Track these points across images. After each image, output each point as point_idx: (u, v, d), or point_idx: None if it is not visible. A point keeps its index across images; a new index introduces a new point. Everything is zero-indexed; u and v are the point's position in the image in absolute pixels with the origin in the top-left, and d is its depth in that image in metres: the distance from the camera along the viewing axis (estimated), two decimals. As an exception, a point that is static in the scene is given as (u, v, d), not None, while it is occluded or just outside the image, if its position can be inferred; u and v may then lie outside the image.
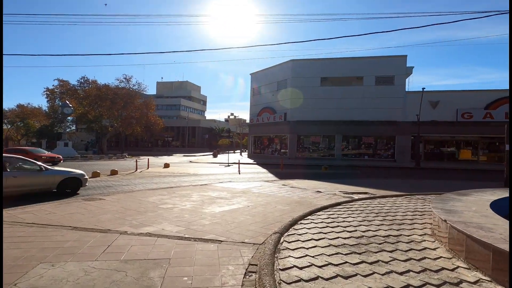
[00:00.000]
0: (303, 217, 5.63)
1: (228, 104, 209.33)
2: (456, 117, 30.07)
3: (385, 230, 4.81)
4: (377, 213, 5.96)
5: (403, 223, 5.18)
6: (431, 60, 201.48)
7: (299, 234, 4.64)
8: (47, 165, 10.92)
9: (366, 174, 18.78)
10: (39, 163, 10.68)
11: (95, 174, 15.96)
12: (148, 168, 21.36)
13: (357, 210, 6.30)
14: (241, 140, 58.77)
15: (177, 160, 33.56)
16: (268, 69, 38.36)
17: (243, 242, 4.62)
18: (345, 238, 4.43)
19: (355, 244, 4.18)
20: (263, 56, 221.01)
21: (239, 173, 19.28)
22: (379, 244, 4.22)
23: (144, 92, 51.37)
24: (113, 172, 17.67)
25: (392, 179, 15.08)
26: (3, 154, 10.27)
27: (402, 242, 4.29)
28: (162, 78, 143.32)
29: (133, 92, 47.30)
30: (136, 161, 22.72)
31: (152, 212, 6.68)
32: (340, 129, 32.66)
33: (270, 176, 17.46)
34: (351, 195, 9.26)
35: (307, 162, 29.47)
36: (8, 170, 9.46)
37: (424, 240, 4.36)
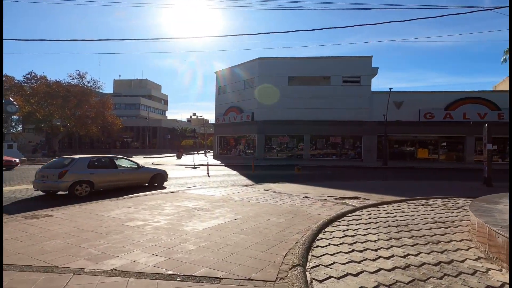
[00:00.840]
0: (314, 236, 4.53)
1: (190, 104, 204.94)
2: (419, 117, 30.80)
3: (428, 254, 3.82)
4: (396, 227, 5.03)
5: (439, 241, 4.21)
6: (385, 65, 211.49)
7: (326, 266, 3.48)
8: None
9: (342, 176, 18.21)
10: (137, 162, 13.19)
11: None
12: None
13: (370, 222, 5.32)
14: (205, 141, 56.92)
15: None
16: (234, 67, 37.11)
17: (250, 279, 3.41)
18: (389, 271, 3.35)
19: (411, 282, 3.11)
20: (228, 56, 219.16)
21: (209, 176, 17.90)
22: (440, 278, 3.19)
23: (100, 90, 47.95)
24: (65, 178, 15.51)
25: (372, 181, 14.54)
26: (112, 155, 12.66)
27: (466, 273, 3.31)
28: (119, 76, 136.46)
29: (88, 90, 43.81)
30: (92, 165, 20.42)
31: (117, 233, 5.22)
32: (308, 129, 32.25)
33: (243, 179, 16.29)
34: (344, 201, 8.36)
35: (276, 163, 28.64)
36: (118, 167, 11.82)
37: (490, 269, 3.41)
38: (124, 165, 12.29)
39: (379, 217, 5.73)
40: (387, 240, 4.31)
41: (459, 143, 31.74)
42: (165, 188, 12.42)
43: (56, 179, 9.98)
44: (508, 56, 12.05)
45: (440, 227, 4.98)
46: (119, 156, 13.62)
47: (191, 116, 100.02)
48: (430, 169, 24.56)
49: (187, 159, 37.13)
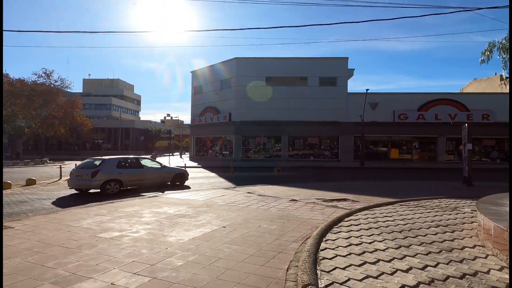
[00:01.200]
0: (317, 246, 4.07)
1: (165, 104, 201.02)
2: (393, 118, 31.39)
3: (446, 264, 3.43)
4: (400, 232, 4.68)
5: (452, 248, 3.86)
6: (357, 68, 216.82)
7: (341, 283, 2.98)
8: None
9: (323, 177, 18.02)
10: (160, 162, 14.31)
11: (5, 186, 12.63)
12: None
13: (371, 228, 4.94)
14: (180, 142, 55.60)
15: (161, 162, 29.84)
16: (210, 66, 36.39)
17: (254, 304, 2.91)
18: (414, 288, 2.97)
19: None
20: (205, 56, 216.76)
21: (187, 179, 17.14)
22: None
23: (69, 90, 45.55)
24: (30, 182, 14.34)
25: (355, 181, 14.40)
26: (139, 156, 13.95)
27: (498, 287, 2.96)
28: (89, 75, 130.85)
29: (55, 89, 41.38)
30: (60, 167, 19.03)
31: (90, 247, 4.53)
32: (285, 130, 32.07)
33: (223, 181, 15.71)
34: (333, 203, 8.03)
35: (255, 164, 28.21)
36: (143, 167, 12.70)
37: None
38: (149, 165, 13.25)
39: (378, 222, 5.38)
40: (396, 248, 3.94)
41: (431, 143, 32.63)
42: (188, 187, 13.23)
43: (89, 178, 11.07)
44: (485, 57, 12.18)
45: (445, 231, 4.69)
46: (144, 156, 15.09)
47: (165, 117, 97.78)
48: (406, 169, 25.01)
49: (162, 161, 35.95)
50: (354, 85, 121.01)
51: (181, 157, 45.44)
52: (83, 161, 12.99)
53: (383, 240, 4.28)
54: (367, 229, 4.89)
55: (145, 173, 12.60)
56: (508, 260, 3.46)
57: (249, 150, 33.47)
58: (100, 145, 54.50)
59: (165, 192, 11.31)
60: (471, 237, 4.35)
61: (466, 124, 12.73)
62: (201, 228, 5.58)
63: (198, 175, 19.23)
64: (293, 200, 8.65)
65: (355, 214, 5.97)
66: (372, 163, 29.37)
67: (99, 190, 11.28)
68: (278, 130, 32.06)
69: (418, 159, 32.74)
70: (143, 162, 13.09)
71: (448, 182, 14.11)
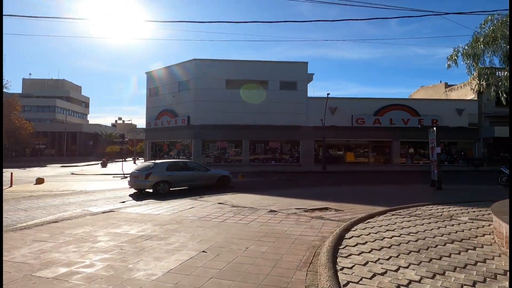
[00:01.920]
0: (335, 279, 3.21)
1: (116, 108, 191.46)
2: (352, 122, 32.01)
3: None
4: (418, 252, 3.98)
5: (495, 274, 3.22)
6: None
7: None
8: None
9: (292, 182, 17.42)
10: (205, 166, 15.64)
11: None
12: (11, 186, 15.63)
13: (383, 248, 4.06)
14: (134, 147, 52.52)
15: (53, 172, 26.81)
16: (167, 68, 34.60)
17: None
18: None
19: None
20: (161, 58, 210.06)
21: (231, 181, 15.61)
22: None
23: (6, 90, 41.00)
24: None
25: (326, 187, 13.92)
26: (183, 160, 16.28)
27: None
28: (30, 74, 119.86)
29: (-12, 88, 36.88)
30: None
31: (23, 294, 3.28)
32: (246, 134, 31.32)
33: (186, 190, 14.41)
34: (316, 214, 7.31)
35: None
36: (190, 170, 13.98)
37: None
38: (196, 168, 14.50)
39: (384, 238, 4.70)
40: (432, 278, 3.20)
41: (386, 146, 33.77)
42: (233, 189, 13.74)
43: (143, 179, 12.58)
44: (452, 62, 12.33)
45: (467, 249, 4.12)
46: (191, 161, 16.78)
47: (116, 121, 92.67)
48: (367, 172, 25.36)
49: (114, 167, 33.36)
50: (309, 91, 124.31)
51: (135, 163, 42.72)
52: (141, 164, 14.80)
53: (408, 266, 3.56)
54: (379, 249, 4.17)
55: (191, 176, 13.82)
56: (508, 261, 3.28)
57: (209, 155, 32.21)
58: (42, 150, 49.62)
59: (124, 204, 9.89)
60: (499, 255, 3.80)
61: (435, 128, 12.83)
62: (176, 255, 4.48)
63: (156, 183, 17.65)
64: (272, 211, 7.79)
65: (354, 229, 5.25)
66: (333, 167, 29.57)
67: (151, 190, 12.69)
68: (239, 134, 31.21)
69: (374, 162, 33.68)
70: (190, 165, 14.69)
71: (415, 186, 14.18)
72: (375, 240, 4.58)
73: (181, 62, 33.40)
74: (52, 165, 37.71)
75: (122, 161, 29.41)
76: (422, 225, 5.49)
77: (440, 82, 42.39)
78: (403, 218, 6.16)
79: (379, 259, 3.79)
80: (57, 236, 5.63)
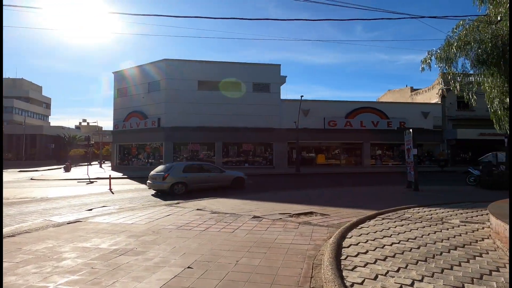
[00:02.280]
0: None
1: (80, 109, 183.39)
2: (324, 124, 32.35)
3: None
4: (425, 260, 3.75)
5: None
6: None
7: None
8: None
9: (269, 185, 17.11)
10: (220, 167, 16.40)
11: None
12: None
13: (387, 258, 3.77)
14: (100, 150, 50.12)
15: (10, 178, 24.76)
16: (137, 67, 33.27)
17: None
18: None
19: None
20: (128, 57, 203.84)
21: (113, 193, 14.69)
22: None
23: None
24: None
25: (305, 190, 13.72)
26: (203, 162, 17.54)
27: None
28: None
29: None
30: None
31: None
32: (219, 136, 30.74)
33: (159, 194, 13.68)
34: (303, 219, 7.00)
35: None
36: (206, 172, 14.52)
37: None
38: (211, 170, 14.88)
39: (385, 246, 4.43)
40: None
41: (357, 148, 34.43)
42: (246, 189, 14.26)
43: (161, 180, 13.16)
44: (425, 65, 12.55)
45: (474, 256, 3.92)
46: (207, 163, 17.54)
47: (80, 123, 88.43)
48: (340, 174, 25.63)
49: (78, 171, 31.55)
50: (282, 94, 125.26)
51: (101, 166, 40.74)
52: (159, 166, 15.11)
53: (422, 279, 3.26)
54: (384, 260, 3.88)
55: (207, 177, 14.26)
56: (508, 261, 3.25)
57: (181, 158, 31.27)
58: (-3, 154, 45.96)
59: (92, 212, 9.07)
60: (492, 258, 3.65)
61: (411, 130, 12.98)
62: (157, 273, 3.95)
63: (125, 188, 16.72)
64: (255, 217, 7.38)
65: (349, 236, 4.97)
66: (304, 169, 29.68)
67: (169, 191, 13.08)
68: (212, 136, 30.58)
69: (345, 163, 34.20)
70: (206, 167, 15.16)
71: (392, 187, 14.35)
72: (376, 248, 4.31)
73: (151, 62, 32.26)
74: (9, 170, 35.00)
75: (87, 165, 27.80)
76: (417, 229, 5.32)
77: (406, 86, 44.02)
78: (395, 222, 5.98)
79: (388, 271, 3.51)
80: (13, 254, 4.88)
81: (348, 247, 4.40)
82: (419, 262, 3.75)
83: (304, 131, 30.70)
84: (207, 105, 30.49)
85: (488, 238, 4.69)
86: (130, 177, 23.38)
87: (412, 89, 42.39)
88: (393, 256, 3.94)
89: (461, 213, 6.77)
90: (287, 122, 30.54)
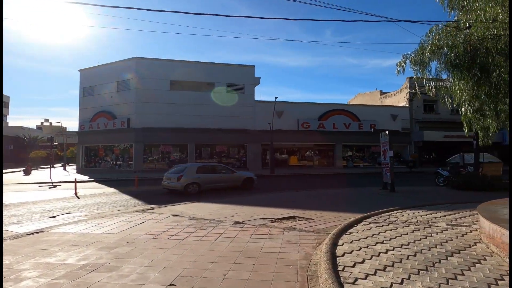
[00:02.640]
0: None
1: (42, 109, 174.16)
2: (297, 126, 32.48)
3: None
4: (426, 269, 3.52)
5: None
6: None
7: None
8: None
9: (245, 187, 16.74)
10: (231, 168, 17.17)
11: None
12: None
13: (386, 267, 3.55)
14: (63, 152, 47.48)
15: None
16: (105, 65, 31.82)
17: None
18: None
19: None
20: (95, 54, 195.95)
21: (79, 198, 13.75)
22: None
23: None
24: None
25: (282, 192, 13.50)
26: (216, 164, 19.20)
27: None
28: None
29: None
30: None
31: None
32: (192, 137, 30.02)
33: (130, 199, 12.95)
34: (285, 224, 6.73)
35: (161, 176, 25.25)
36: (218, 172, 15.16)
37: None
38: (223, 171, 15.48)
39: (380, 254, 4.20)
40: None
41: (330, 150, 34.90)
42: (257, 190, 14.79)
43: (176, 181, 13.73)
44: (400, 68, 12.76)
45: (473, 263, 3.74)
46: (220, 164, 18.21)
47: (42, 123, 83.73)
48: (314, 175, 25.75)
49: (40, 175, 29.59)
50: (255, 95, 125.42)
51: (65, 169, 38.57)
52: (174, 167, 16.15)
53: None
54: (383, 270, 3.65)
55: (219, 177, 14.90)
56: (509, 262, 3.25)
57: (152, 159, 30.22)
58: None
59: (56, 220, 8.29)
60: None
61: (387, 132, 13.11)
62: (136, 294, 3.50)
63: (93, 192, 15.74)
64: (237, 223, 7.02)
65: (340, 243, 4.73)
66: (278, 170, 29.63)
67: (183, 191, 13.62)
68: (184, 137, 29.80)
69: (318, 165, 34.55)
70: (218, 168, 15.90)
71: (367, 188, 14.46)
72: (372, 257, 4.10)
73: (120, 60, 30.96)
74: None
75: (50, 167, 26.13)
76: (407, 234, 5.20)
77: (376, 89, 45.30)
78: (382, 226, 5.84)
79: (392, 284, 3.27)
80: (-36, 274, 4.21)
81: (342, 256, 4.16)
82: (421, 271, 3.57)
83: (278, 133, 30.68)
84: (180, 106, 29.70)
85: (479, 242, 4.63)
86: (97, 180, 22.18)
87: (382, 92, 43.66)
88: (392, 266, 3.74)
89: (445, 216, 6.77)
90: (261, 123, 30.39)
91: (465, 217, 6.58)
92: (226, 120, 30.38)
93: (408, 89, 35.51)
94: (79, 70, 33.35)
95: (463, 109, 12.27)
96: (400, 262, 3.88)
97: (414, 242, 4.71)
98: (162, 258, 4.71)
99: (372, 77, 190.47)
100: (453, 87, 12.40)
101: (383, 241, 4.84)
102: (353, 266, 3.77)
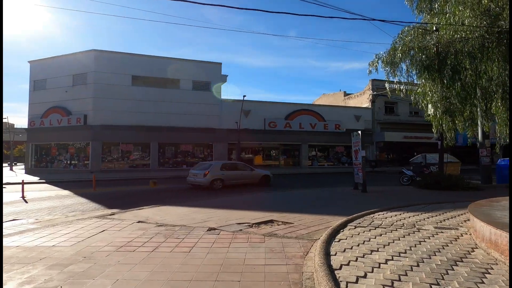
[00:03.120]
0: None
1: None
2: (264, 126, 32.22)
3: None
4: (437, 283, 3.21)
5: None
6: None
7: None
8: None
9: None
10: (251, 166, 17.84)
11: None
12: None
13: (391, 280, 3.24)
14: (10, 150, 43.56)
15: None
16: (59, 57, 29.45)
17: None
18: None
19: None
20: (50, 43, 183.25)
21: (26, 202, 12.30)
22: None
23: None
24: None
25: (254, 193, 12.99)
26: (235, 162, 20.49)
27: None
28: None
29: None
30: None
31: None
32: (155, 136, 28.68)
33: (86, 203, 11.75)
34: (265, 230, 6.21)
35: (120, 176, 23.78)
36: (240, 170, 16.34)
37: None
38: (243, 168, 16.65)
39: (380, 265, 3.75)
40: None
41: (296, 149, 35.02)
42: (273, 188, 15.61)
43: (202, 177, 15.01)
44: (373, 68, 12.77)
45: (483, 273, 3.45)
46: (240, 162, 19.73)
47: (-14, 118, 76.64)
48: (282, 175, 25.49)
49: (-18, 176, 26.65)
50: (222, 94, 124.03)
51: (11, 169, 35.30)
52: (198, 164, 17.56)
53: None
54: (391, 286, 3.23)
55: (240, 174, 16.03)
56: (509, 263, 3.25)
57: (111, 159, 28.44)
58: None
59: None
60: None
61: (359, 131, 13.06)
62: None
63: (43, 195, 14.23)
64: (211, 229, 6.36)
65: (333, 253, 4.28)
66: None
67: (209, 186, 14.70)
68: (147, 136, 28.38)
69: (284, 164, 34.53)
70: (239, 166, 17.07)
71: (339, 188, 14.38)
72: (373, 269, 3.67)
73: (76, 52, 28.81)
74: None
75: (-6, 168, 23.62)
76: (399, 239, 4.87)
77: (340, 90, 46.25)
78: (370, 231, 5.50)
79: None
80: None
81: (340, 268, 3.70)
82: (433, 286, 3.20)
83: (245, 132, 30.22)
84: (142, 102, 28.22)
85: (476, 247, 4.41)
86: (49, 182, 20.31)
87: (345, 94, 44.65)
88: (399, 280, 3.34)
89: (428, 218, 6.61)
90: (228, 122, 29.76)
91: (448, 219, 6.45)
92: (192, 118, 29.36)
93: (371, 91, 36.57)
94: (29, 62, 30.61)
95: (432, 110, 12.52)
96: (406, 274, 3.49)
97: (411, 249, 4.38)
98: (129, 277, 3.95)
99: (336, 80, 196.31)
100: (424, 89, 12.59)
101: (378, 248, 4.46)
102: (356, 282, 3.31)
